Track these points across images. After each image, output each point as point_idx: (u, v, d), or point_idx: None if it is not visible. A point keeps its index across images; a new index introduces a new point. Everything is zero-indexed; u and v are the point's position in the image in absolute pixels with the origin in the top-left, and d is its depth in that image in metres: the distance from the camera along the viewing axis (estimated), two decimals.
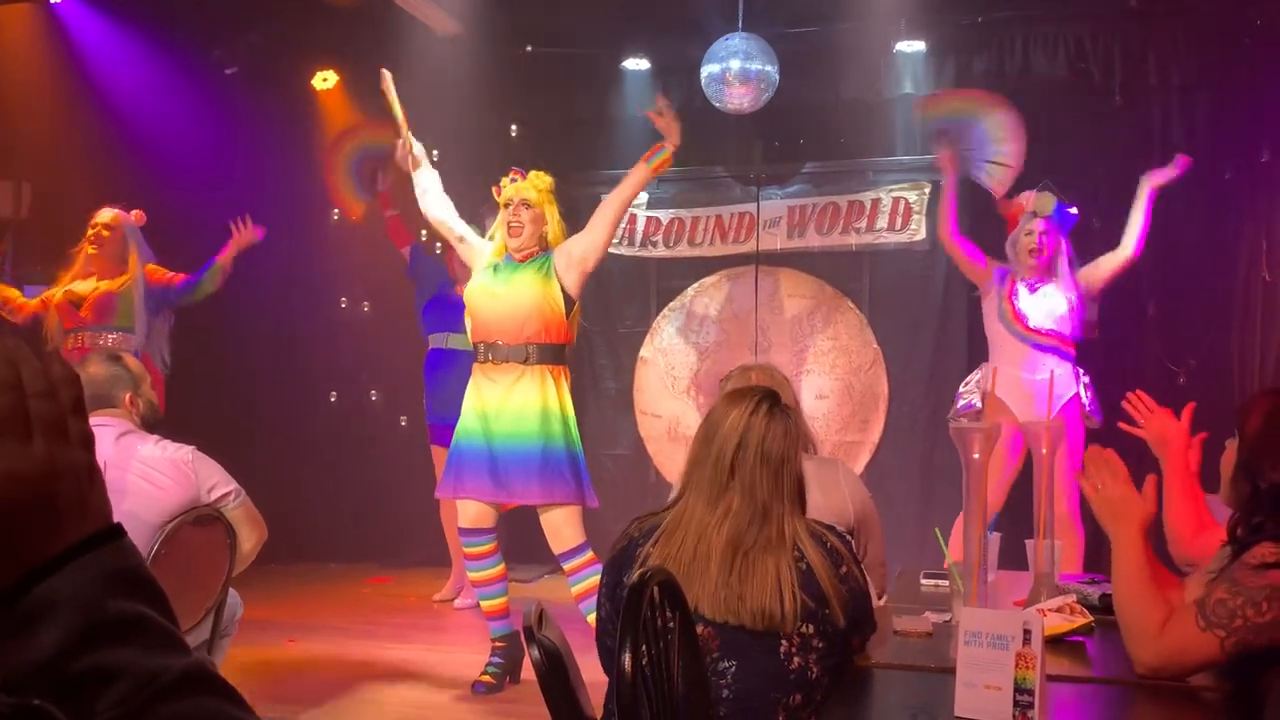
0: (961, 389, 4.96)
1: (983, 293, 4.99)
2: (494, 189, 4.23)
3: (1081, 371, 4.87)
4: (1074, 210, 4.99)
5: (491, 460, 4.02)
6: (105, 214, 4.88)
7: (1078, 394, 4.76)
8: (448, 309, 5.40)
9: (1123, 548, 1.97)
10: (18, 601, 0.62)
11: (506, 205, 4.14)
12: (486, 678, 4.15)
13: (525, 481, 4.00)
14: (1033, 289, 4.82)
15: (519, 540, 5.25)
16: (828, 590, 1.89)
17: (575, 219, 6.56)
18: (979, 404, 4.72)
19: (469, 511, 4.12)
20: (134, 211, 4.96)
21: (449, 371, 5.35)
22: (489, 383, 4.07)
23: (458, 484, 4.12)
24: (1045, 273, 4.82)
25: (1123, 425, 2.30)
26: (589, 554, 4.03)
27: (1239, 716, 1.77)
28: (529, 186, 4.13)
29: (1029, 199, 4.90)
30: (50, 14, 5.76)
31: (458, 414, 4.22)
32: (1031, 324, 4.78)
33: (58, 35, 5.78)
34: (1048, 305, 4.80)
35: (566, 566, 4.07)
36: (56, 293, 4.84)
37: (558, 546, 4.06)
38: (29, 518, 0.62)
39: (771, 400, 2.02)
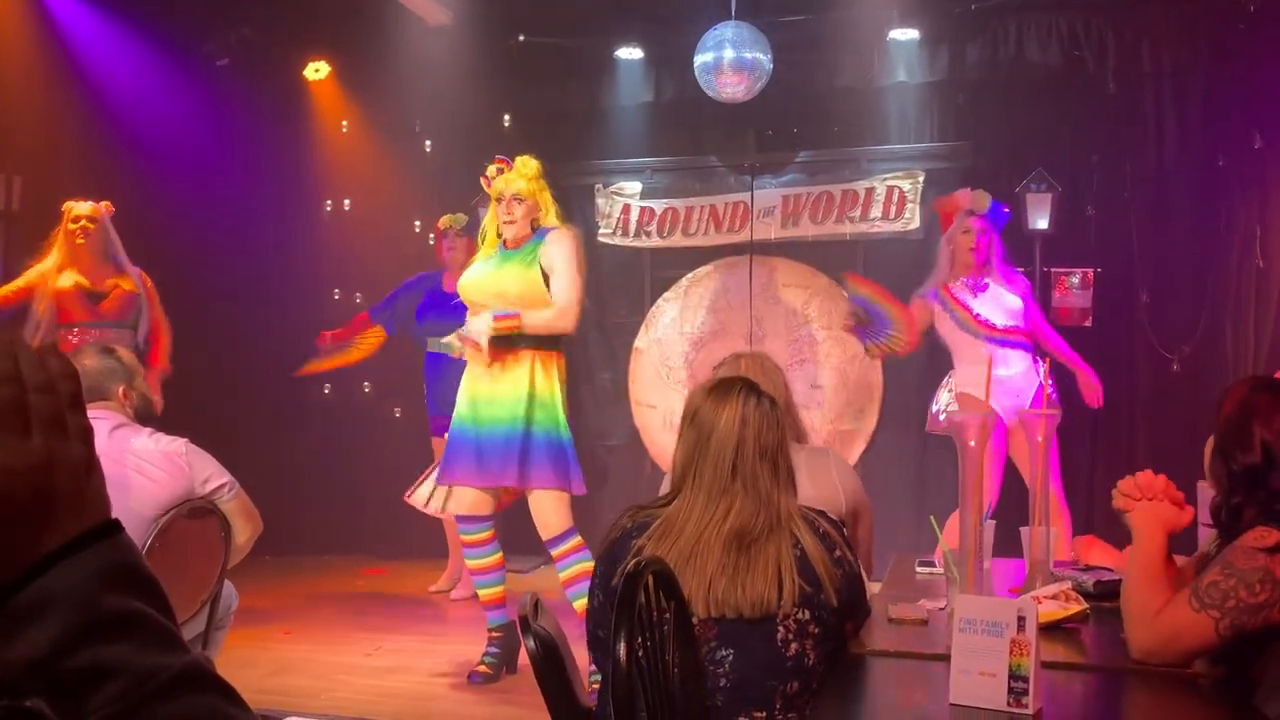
0: (939, 402, 4.95)
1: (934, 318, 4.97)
2: (482, 179, 4.20)
3: (1039, 360, 4.91)
4: (1006, 209, 5.06)
5: (477, 445, 4.03)
6: (85, 206, 4.88)
7: (1041, 384, 4.80)
8: (446, 311, 5.36)
9: (1141, 539, 1.98)
10: (14, 597, 0.61)
11: (499, 200, 4.11)
12: (483, 668, 4.16)
13: (505, 464, 3.98)
14: (976, 291, 4.84)
15: (515, 531, 5.25)
16: (822, 574, 1.90)
17: (566, 210, 6.56)
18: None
19: (465, 499, 4.12)
20: (104, 203, 4.97)
21: (451, 368, 5.35)
22: (482, 369, 4.08)
23: (450, 471, 4.13)
24: (980, 271, 4.84)
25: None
26: (576, 539, 4.03)
27: (1233, 702, 1.78)
28: (518, 177, 4.10)
29: (965, 197, 4.94)
30: (40, 6, 5.73)
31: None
32: (997, 324, 4.81)
33: (48, 27, 5.75)
34: (1003, 303, 4.84)
35: (554, 552, 4.06)
36: (61, 280, 4.83)
37: (544, 532, 4.06)
38: (26, 512, 0.62)
39: (756, 390, 2.04)
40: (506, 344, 4.01)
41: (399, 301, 5.82)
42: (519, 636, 4.13)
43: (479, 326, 3.97)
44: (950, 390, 4.90)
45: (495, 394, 4.02)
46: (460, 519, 4.17)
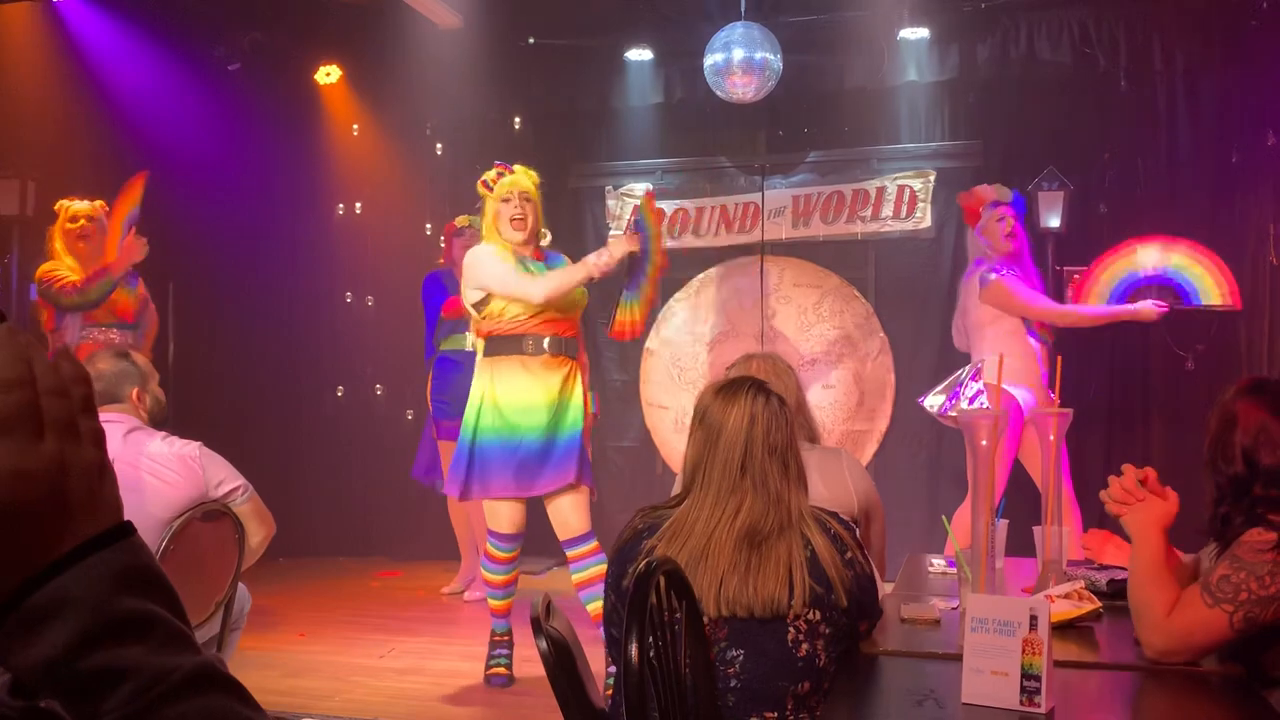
0: (965, 388, 4.89)
1: (981, 283, 4.89)
2: (480, 184, 4.12)
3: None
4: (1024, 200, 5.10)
5: (544, 453, 3.99)
6: (83, 205, 4.95)
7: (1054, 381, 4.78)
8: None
9: (1140, 539, 1.99)
10: (28, 599, 0.62)
11: (506, 200, 4.05)
12: (500, 669, 4.15)
13: (563, 471, 4.00)
14: (1026, 279, 4.86)
15: (527, 532, 5.27)
16: (833, 576, 1.90)
17: (578, 210, 6.60)
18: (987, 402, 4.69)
19: (506, 516, 4.06)
20: (98, 202, 5.05)
21: (458, 372, 5.36)
22: (548, 375, 4.01)
23: (486, 484, 4.04)
24: (1016, 258, 4.84)
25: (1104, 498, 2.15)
26: (594, 543, 4.02)
27: (1246, 698, 1.77)
28: (527, 181, 4.08)
29: (988, 190, 4.94)
30: (52, 13, 5.76)
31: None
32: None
33: (60, 34, 5.79)
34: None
35: (570, 553, 4.05)
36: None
37: (565, 533, 4.04)
38: (40, 516, 0.62)
39: (764, 391, 2.04)
40: (567, 352, 4.07)
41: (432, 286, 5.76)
42: (513, 641, 4.16)
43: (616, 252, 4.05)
44: (980, 382, 4.82)
45: (561, 401, 4.01)
46: (502, 536, 4.09)
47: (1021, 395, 4.66)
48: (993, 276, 4.79)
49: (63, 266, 4.85)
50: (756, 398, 2.01)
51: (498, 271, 3.99)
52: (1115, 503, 2.06)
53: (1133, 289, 4.93)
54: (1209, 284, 4.82)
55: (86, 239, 4.89)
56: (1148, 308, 4.77)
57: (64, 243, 4.88)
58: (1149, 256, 4.91)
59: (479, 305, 4.07)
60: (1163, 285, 4.87)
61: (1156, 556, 1.96)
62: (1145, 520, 2.01)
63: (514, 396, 4.00)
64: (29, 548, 0.62)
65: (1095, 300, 4.94)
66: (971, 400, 4.77)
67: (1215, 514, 2.00)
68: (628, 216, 6.55)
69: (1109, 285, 4.93)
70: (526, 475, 4.00)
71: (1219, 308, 4.76)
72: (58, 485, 0.63)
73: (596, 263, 4.01)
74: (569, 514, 4.03)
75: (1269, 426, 1.96)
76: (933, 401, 4.85)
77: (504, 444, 3.99)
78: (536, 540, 5.44)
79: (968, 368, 4.86)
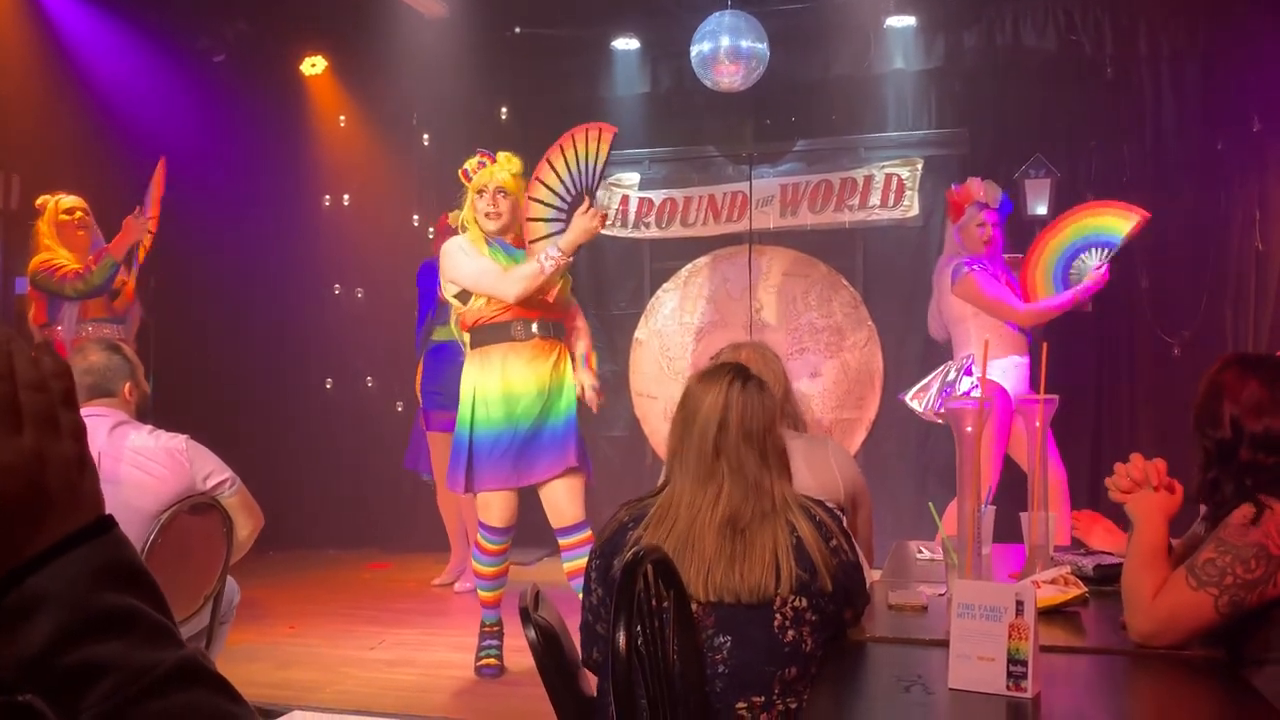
0: (958, 384, 4.87)
1: (965, 280, 4.87)
2: (460, 172, 4.08)
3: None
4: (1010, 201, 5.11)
5: (541, 439, 3.98)
6: (72, 198, 4.92)
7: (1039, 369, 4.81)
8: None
9: (1143, 523, 2.00)
10: (7, 595, 0.61)
11: (480, 192, 4.01)
12: (491, 660, 4.15)
13: (563, 454, 4.00)
14: (1003, 272, 4.90)
15: (517, 522, 5.27)
16: (818, 562, 1.91)
17: None
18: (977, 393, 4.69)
19: (498, 508, 4.04)
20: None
21: (449, 363, 5.35)
22: (538, 360, 3.99)
23: (486, 476, 4.01)
24: (990, 255, 4.86)
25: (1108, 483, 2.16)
26: (587, 532, 4.00)
27: (1229, 681, 1.79)
28: (504, 172, 4.02)
29: (978, 188, 4.93)
30: (34, 3, 5.72)
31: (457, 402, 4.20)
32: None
33: (43, 24, 5.74)
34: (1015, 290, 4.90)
35: (564, 542, 4.04)
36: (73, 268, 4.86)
37: (559, 520, 4.03)
38: (18, 510, 0.62)
39: (743, 375, 2.04)
40: (555, 334, 4.06)
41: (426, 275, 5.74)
42: (503, 631, 4.15)
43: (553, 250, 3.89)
44: (974, 378, 4.81)
45: (554, 385, 4.00)
46: (494, 530, 4.08)
47: (1008, 385, 4.67)
48: (965, 269, 4.80)
49: (59, 256, 4.81)
50: (734, 382, 2.01)
51: (470, 270, 3.96)
52: (1119, 491, 2.07)
53: (1069, 263, 4.98)
54: (1113, 224, 4.89)
55: (86, 229, 4.88)
56: (1095, 275, 4.83)
57: (57, 235, 4.84)
58: (1063, 235, 4.99)
59: (461, 298, 4.04)
60: (1089, 249, 4.93)
61: (1156, 542, 1.97)
62: (1150, 506, 2.01)
63: (507, 385, 3.98)
64: (7, 542, 0.62)
65: (1044, 281, 4.99)
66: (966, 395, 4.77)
67: (1204, 479, 2.02)
68: (615, 206, 6.56)
69: (1050, 267, 5.00)
70: (526, 462, 3.99)
71: (1136, 229, 4.86)
72: (36, 479, 0.63)
73: (552, 255, 3.89)
74: (564, 501, 4.02)
75: (1257, 394, 1.99)
76: (918, 401, 4.84)
77: (500, 433, 3.98)
78: (527, 530, 5.44)
79: (955, 363, 4.86)
